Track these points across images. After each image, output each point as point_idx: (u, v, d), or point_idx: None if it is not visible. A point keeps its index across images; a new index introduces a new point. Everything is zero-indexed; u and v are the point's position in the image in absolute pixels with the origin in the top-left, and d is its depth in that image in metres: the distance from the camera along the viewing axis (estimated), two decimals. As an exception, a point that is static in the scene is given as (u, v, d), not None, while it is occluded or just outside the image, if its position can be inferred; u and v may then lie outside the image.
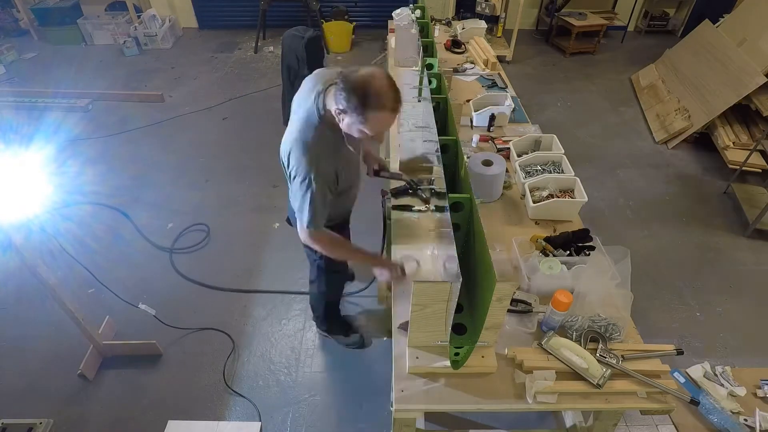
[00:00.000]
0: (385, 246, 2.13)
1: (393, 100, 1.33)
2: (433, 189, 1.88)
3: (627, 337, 1.45)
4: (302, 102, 1.54)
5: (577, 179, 1.94)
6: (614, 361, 1.35)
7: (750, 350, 2.48)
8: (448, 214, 1.40)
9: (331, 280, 2.12)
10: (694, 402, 1.38)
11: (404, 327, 1.41)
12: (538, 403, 1.29)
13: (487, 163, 1.96)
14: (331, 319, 2.41)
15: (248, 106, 4.53)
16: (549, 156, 2.10)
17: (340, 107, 1.35)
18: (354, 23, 5.65)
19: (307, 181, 1.46)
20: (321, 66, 3.94)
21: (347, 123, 1.39)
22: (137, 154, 3.88)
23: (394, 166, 2.08)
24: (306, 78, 1.62)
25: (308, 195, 1.47)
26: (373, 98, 1.30)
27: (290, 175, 1.54)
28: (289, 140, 1.52)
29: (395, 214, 1.85)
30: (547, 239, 1.72)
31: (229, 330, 2.52)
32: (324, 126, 1.47)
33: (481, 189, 1.95)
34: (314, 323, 2.51)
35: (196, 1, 6.02)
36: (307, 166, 1.45)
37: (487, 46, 3.36)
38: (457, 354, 1.31)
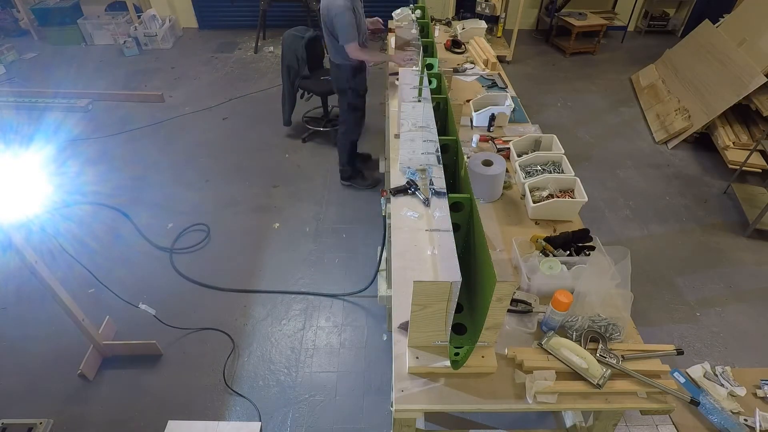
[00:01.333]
0: (385, 245, 2.13)
1: None
2: (433, 189, 1.87)
3: (627, 337, 1.45)
4: None
5: (577, 179, 1.94)
6: (614, 361, 1.34)
7: (750, 350, 2.48)
8: (448, 213, 1.40)
9: (354, 117, 3.21)
10: (694, 402, 1.38)
11: (404, 327, 1.41)
12: (538, 403, 1.29)
13: (487, 163, 1.96)
14: (352, 163, 3.44)
15: (248, 106, 4.53)
16: (549, 156, 2.10)
17: None
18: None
19: (341, 12, 2.65)
20: (321, 66, 3.95)
21: None
22: (137, 154, 3.88)
23: (395, 171, 2.08)
24: None
25: (344, 20, 2.66)
26: None
27: (332, 24, 2.74)
28: (324, 7, 2.74)
29: (395, 215, 1.84)
30: (547, 239, 1.72)
31: (229, 330, 2.52)
32: None
33: (481, 189, 1.95)
34: (340, 177, 3.53)
35: (196, 1, 6.02)
36: (340, 4, 2.64)
37: (487, 46, 3.36)
38: (457, 354, 1.31)
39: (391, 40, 3.29)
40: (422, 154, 2.04)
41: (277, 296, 2.72)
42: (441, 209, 1.80)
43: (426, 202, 1.86)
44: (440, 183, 1.71)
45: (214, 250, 3.02)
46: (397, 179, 2.04)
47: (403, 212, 1.86)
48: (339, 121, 3.32)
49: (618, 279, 1.49)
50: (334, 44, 2.85)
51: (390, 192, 1.92)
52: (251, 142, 4.03)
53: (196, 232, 3.14)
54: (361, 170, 3.56)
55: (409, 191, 1.89)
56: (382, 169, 3.56)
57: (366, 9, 2.94)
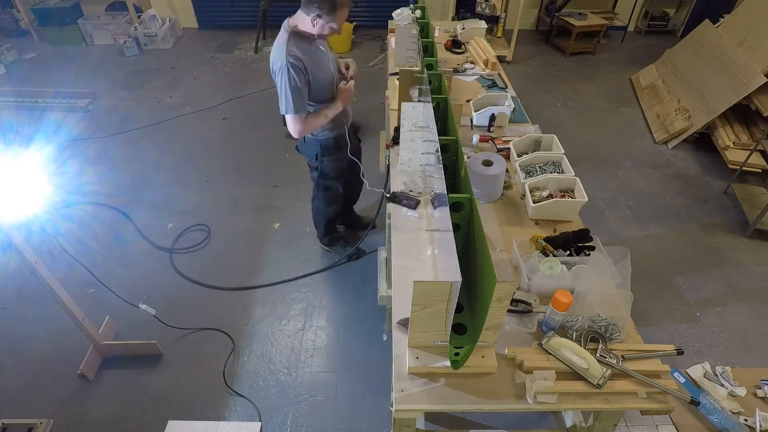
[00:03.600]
0: (387, 244, 2.13)
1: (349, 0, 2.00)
2: (420, 194, 1.89)
3: (627, 337, 1.45)
4: (276, 42, 2.07)
5: (577, 179, 1.94)
6: (614, 361, 1.34)
7: (750, 350, 2.48)
8: (448, 214, 1.40)
9: (325, 195, 2.61)
10: (695, 402, 1.38)
11: (404, 323, 1.41)
12: (538, 403, 1.29)
13: (487, 163, 1.96)
14: (330, 234, 2.91)
15: (248, 106, 4.53)
16: (549, 156, 2.10)
17: (315, 14, 1.93)
18: (354, 23, 5.65)
19: (281, 71, 2.00)
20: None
21: (321, 24, 1.97)
22: (137, 154, 3.88)
23: (395, 171, 2.08)
24: None
25: (284, 83, 2.02)
26: (338, 1, 1.93)
27: (275, 80, 2.07)
28: (272, 58, 2.06)
29: (395, 215, 1.85)
30: (547, 239, 1.72)
31: (229, 330, 2.52)
32: (291, 36, 2.01)
33: (482, 189, 1.95)
34: (319, 244, 2.99)
35: (196, 1, 6.02)
36: (280, 61, 1.98)
37: (487, 46, 3.36)
38: (457, 354, 1.31)
39: (392, 40, 3.29)
40: (422, 154, 2.04)
41: (277, 296, 2.72)
42: (440, 211, 1.80)
43: (413, 208, 1.85)
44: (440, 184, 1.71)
45: (214, 250, 3.02)
46: (397, 179, 2.05)
47: (403, 212, 1.87)
48: (312, 195, 2.72)
49: (618, 279, 1.49)
50: None
51: (387, 195, 1.92)
52: (251, 142, 4.03)
53: (196, 232, 3.14)
54: (343, 236, 3.02)
55: (395, 201, 1.88)
56: (382, 169, 3.56)
57: (366, 9, 2.84)
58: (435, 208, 1.82)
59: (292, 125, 2.13)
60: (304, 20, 1.99)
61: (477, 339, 1.26)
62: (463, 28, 3.56)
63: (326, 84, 2.17)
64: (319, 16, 1.94)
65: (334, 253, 2.95)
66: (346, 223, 3.12)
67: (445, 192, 1.39)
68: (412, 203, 1.87)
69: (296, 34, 2.02)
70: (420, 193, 1.95)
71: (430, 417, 2.14)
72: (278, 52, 2.01)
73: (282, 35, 2.04)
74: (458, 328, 1.36)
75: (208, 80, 5.03)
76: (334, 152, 2.38)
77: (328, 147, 2.34)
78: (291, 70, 1.97)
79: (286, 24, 2.07)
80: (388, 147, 2.32)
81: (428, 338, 1.34)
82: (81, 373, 2.26)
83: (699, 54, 4.30)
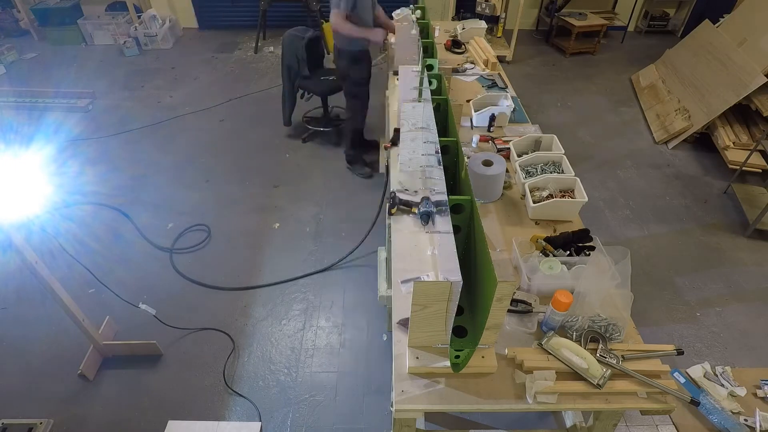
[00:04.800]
0: (387, 244, 2.13)
1: None
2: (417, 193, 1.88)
3: (627, 337, 1.45)
4: None
5: (578, 179, 1.94)
6: (614, 361, 1.35)
7: (750, 350, 2.48)
8: (449, 215, 1.40)
9: (355, 104, 3.32)
10: (695, 402, 1.38)
11: (404, 323, 1.41)
12: (538, 404, 1.29)
13: (487, 163, 1.96)
14: (356, 148, 3.57)
15: (248, 107, 4.53)
16: (549, 156, 2.10)
17: None
18: (354, 23, 5.64)
19: None
20: (321, 66, 3.95)
21: None
22: (137, 154, 3.88)
23: (395, 171, 2.08)
24: None
25: None
26: None
27: None
28: None
29: (395, 216, 1.84)
30: (547, 239, 1.72)
31: (229, 330, 2.52)
32: None
33: (482, 189, 1.95)
34: (347, 165, 3.66)
35: (197, 1, 6.02)
36: None
37: (487, 47, 3.36)
38: (457, 357, 1.31)
39: (392, 39, 3.29)
40: (422, 155, 2.04)
41: (277, 296, 2.72)
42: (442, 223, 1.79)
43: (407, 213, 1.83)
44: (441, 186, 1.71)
45: (214, 250, 3.02)
46: (397, 180, 2.04)
47: (403, 214, 1.86)
48: (345, 107, 3.46)
49: (618, 279, 1.49)
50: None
51: (388, 201, 1.91)
52: (251, 142, 4.03)
53: (196, 232, 3.14)
54: (363, 157, 3.65)
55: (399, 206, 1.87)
56: (381, 169, 3.56)
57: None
58: (423, 222, 1.79)
59: (334, 18, 2.79)
60: None
61: (478, 342, 1.26)
62: (463, 28, 3.56)
63: (367, 8, 2.90)
64: None
65: (353, 171, 3.62)
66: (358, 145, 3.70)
67: (446, 194, 1.39)
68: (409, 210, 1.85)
69: None
70: (416, 192, 1.94)
71: (430, 417, 2.14)
72: None
73: None
74: (459, 331, 1.36)
75: (208, 80, 5.03)
76: (360, 62, 3.08)
77: (354, 58, 3.05)
78: None
79: None
80: (386, 148, 2.32)
81: (428, 338, 1.34)
82: (81, 373, 2.26)
83: (699, 54, 4.30)
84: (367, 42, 2.97)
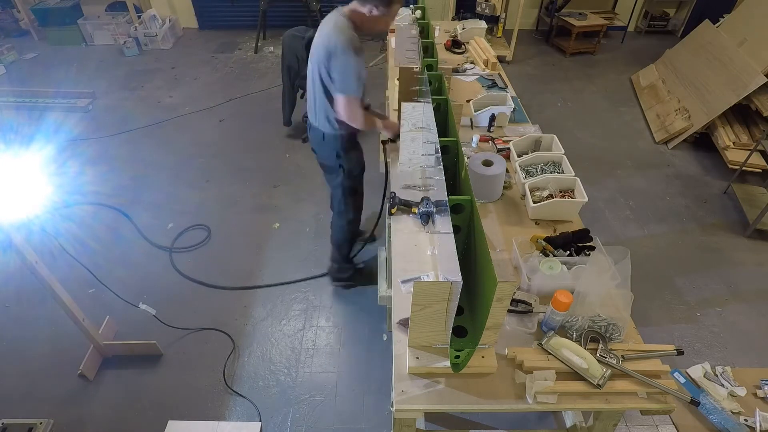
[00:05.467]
0: (387, 244, 2.13)
1: None
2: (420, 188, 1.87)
3: (627, 337, 1.45)
4: (323, 28, 2.00)
5: (578, 179, 1.94)
6: (614, 362, 1.35)
7: (750, 350, 2.48)
8: (449, 215, 1.40)
9: (353, 202, 2.44)
10: (695, 402, 1.38)
11: (403, 323, 1.41)
12: (538, 404, 1.29)
13: (487, 163, 1.96)
14: (345, 257, 2.66)
15: (248, 107, 4.53)
16: (549, 156, 2.10)
17: (370, 6, 1.90)
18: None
19: (348, 53, 1.89)
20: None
21: (376, 17, 1.93)
22: (137, 154, 3.88)
23: (395, 171, 2.08)
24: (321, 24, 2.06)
25: (350, 65, 1.91)
26: None
27: (329, 65, 1.94)
28: (321, 44, 1.96)
29: (395, 216, 1.85)
30: (547, 239, 1.72)
31: (229, 330, 2.52)
32: (351, 25, 1.94)
33: (482, 189, 1.95)
34: (330, 279, 2.78)
35: (197, 1, 6.02)
36: (346, 44, 1.88)
37: (487, 47, 3.36)
38: (457, 357, 1.31)
39: (392, 40, 3.29)
40: (422, 155, 2.04)
41: (277, 296, 2.72)
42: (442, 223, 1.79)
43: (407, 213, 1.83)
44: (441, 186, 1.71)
45: (214, 250, 3.02)
46: (396, 180, 2.05)
47: (403, 215, 1.86)
48: (332, 207, 2.56)
49: (618, 279, 1.49)
50: (322, 100, 2.05)
51: (388, 202, 1.92)
52: (251, 142, 4.03)
53: (196, 232, 3.14)
54: (354, 265, 2.76)
55: (399, 206, 1.87)
56: (381, 169, 3.56)
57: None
58: (422, 222, 1.80)
59: (349, 107, 1.98)
60: (359, 12, 1.95)
61: (478, 342, 1.26)
62: (463, 28, 3.56)
63: (365, 82, 2.07)
64: (375, 7, 1.90)
65: (344, 284, 2.76)
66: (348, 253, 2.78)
67: (446, 195, 1.39)
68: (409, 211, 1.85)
69: (354, 23, 1.96)
70: (418, 186, 1.94)
71: (430, 417, 2.14)
72: (340, 33, 1.90)
73: (339, 19, 1.95)
74: (459, 331, 1.36)
75: (208, 80, 5.03)
76: (355, 146, 2.29)
77: (349, 141, 2.21)
78: (357, 54, 1.91)
79: (341, 11, 1.99)
80: (383, 144, 2.29)
81: (428, 338, 1.34)
82: (81, 373, 2.26)
83: (699, 54, 4.30)
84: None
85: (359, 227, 2.64)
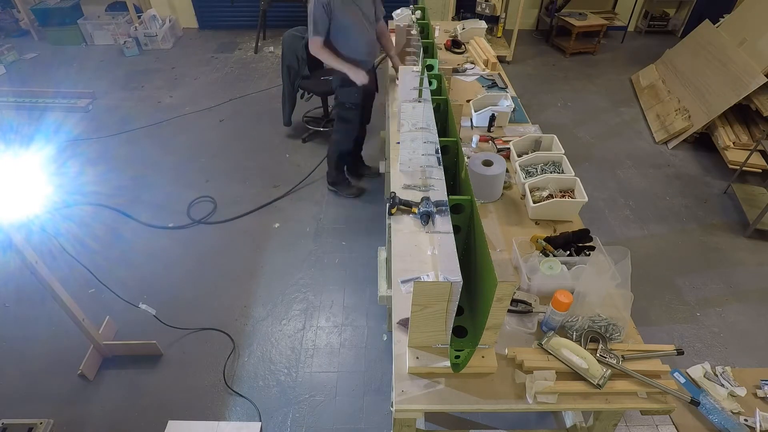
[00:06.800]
0: (387, 244, 2.13)
1: None
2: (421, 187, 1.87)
3: (627, 338, 1.45)
4: None
5: (578, 179, 1.94)
6: (614, 362, 1.35)
7: (750, 350, 2.48)
8: (449, 215, 1.40)
9: (342, 128, 3.05)
10: (695, 402, 1.38)
11: (404, 323, 1.41)
12: (538, 404, 1.29)
13: (487, 163, 1.96)
14: (339, 171, 3.32)
15: (248, 107, 4.53)
16: (549, 156, 2.10)
17: None
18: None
19: (310, 4, 2.48)
20: (321, 66, 3.94)
21: None
22: (137, 154, 3.88)
23: (395, 171, 2.08)
24: None
25: (310, 13, 2.51)
26: None
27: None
28: None
29: (395, 216, 1.85)
30: (547, 239, 1.72)
31: (229, 330, 2.52)
32: None
33: (482, 189, 1.95)
34: (326, 184, 3.45)
35: (197, 1, 6.02)
36: None
37: (487, 47, 3.36)
38: (457, 357, 1.31)
39: (392, 39, 3.29)
40: (422, 155, 2.04)
41: (277, 296, 2.72)
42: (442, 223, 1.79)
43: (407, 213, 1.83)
44: (441, 185, 1.71)
45: (214, 250, 3.02)
46: (396, 180, 2.05)
47: (403, 215, 1.86)
48: (333, 129, 3.19)
49: (618, 279, 1.49)
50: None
51: (388, 201, 1.92)
52: (251, 142, 4.03)
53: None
54: (348, 178, 3.43)
55: (399, 206, 1.87)
56: (381, 169, 3.56)
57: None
58: (422, 222, 1.80)
59: (313, 45, 2.63)
60: None
61: (478, 342, 1.26)
62: (463, 28, 3.56)
63: (356, 29, 2.62)
64: None
65: (339, 192, 3.39)
66: (353, 173, 3.55)
67: (446, 195, 1.39)
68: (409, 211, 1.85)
69: None
70: (418, 186, 1.94)
71: (430, 417, 2.14)
72: None
73: None
74: (459, 331, 1.36)
75: (208, 80, 5.03)
76: (349, 85, 2.76)
77: (343, 79, 2.76)
78: (319, 4, 2.45)
79: None
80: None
81: (428, 339, 1.35)
82: (81, 373, 2.26)
83: (699, 54, 4.30)
84: (355, 62, 2.73)
85: (346, 152, 3.24)
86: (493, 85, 2.93)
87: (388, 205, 1.85)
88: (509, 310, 1.50)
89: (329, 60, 2.66)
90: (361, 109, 2.98)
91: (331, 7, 2.48)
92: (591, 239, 1.71)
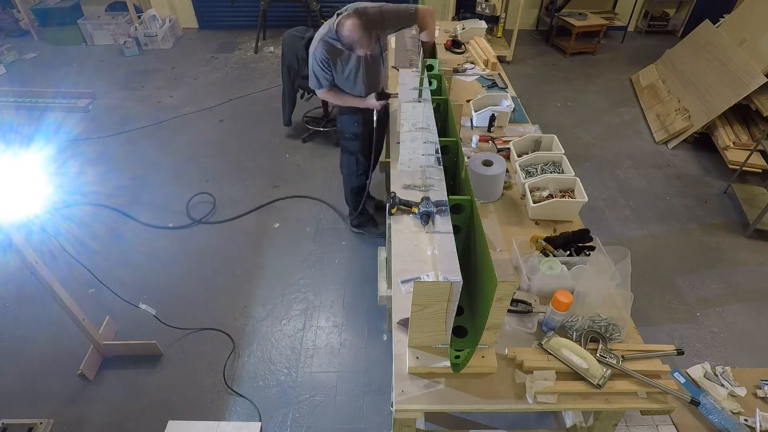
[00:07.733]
0: (387, 244, 2.13)
1: None
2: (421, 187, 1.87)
3: (627, 337, 1.45)
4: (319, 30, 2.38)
5: (578, 179, 1.94)
6: (614, 362, 1.35)
7: (750, 350, 2.48)
8: (449, 215, 1.40)
9: (347, 160, 2.81)
10: (695, 402, 1.38)
11: (404, 323, 1.41)
12: (538, 404, 1.29)
13: (488, 163, 1.96)
14: (361, 211, 3.02)
15: (248, 107, 4.53)
16: (549, 156, 2.10)
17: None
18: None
19: (312, 55, 2.32)
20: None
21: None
22: (137, 154, 3.88)
23: (395, 171, 2.08)
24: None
25: (311, 68, 2.37)
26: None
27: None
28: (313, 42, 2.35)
29: (395, 216, 1.85)
30: (547, 239, 1.72)
31: (229, 330, 2.52)
32: (328, 38, 2.29)
33: (482, 189, 1.95)
34: (348, 225, 3.19)
35: (197, 1, 6.02)
36: (316, 47, 2.30)
37: (487, 47, 3.36)
38: (457, 357, 1.31)
39: (392, 40, 3.29)
40: (422, 155, 2.04)
41: (277, 296, 2.72)
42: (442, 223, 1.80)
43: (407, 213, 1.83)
44: (441, 186, 1.71)
45: (214, 250, 3.02)
46: (397, 180, 2.05)
47: (403, 215, 1.86)
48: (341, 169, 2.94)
49: (618, 279, 1.49)
50: None
51: (388, 201, 1.92)
52: (251, 142, 4.03)
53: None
54: (374, 217, 3.15)
55: (399, 207, 1.86)
56: (382, 169, 3.56)
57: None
58: (422, 222, 1.80)
59: (321, 95, 2.51)
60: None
61: (478, 342, 1.26)
62: (463, 28, 3.56)
63: (361, 72, 2.42)
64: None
65: (366, 234, 3.12)
66: (380, 207, 3.30)
67: (446, 195, 1.39)
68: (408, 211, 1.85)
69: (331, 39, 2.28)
70: (418, 186, 1.94)
71: (430, 417, 2.14)
72: (316, 39, 2.33)
73: (323, 29, 2.33)
74: (459, 331, 1.36)
75: (208, 80, 5.03)
76: (350, 114, 2.61)
77: (344, 108, 2.62)
78: (322, 61, 2.32)
79: (334, 20, 2.26)
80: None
81: (428, 339, 1.35)
82: (81, 373, 2.26)
83: (699, 54, 4.30)
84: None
85: (359, 188, 2.93)
86: (493, 85, 2.93)
87: (388, 205, 1.85)
88: (509, 310, 1.50)
89: (337, 101, 2.53)
90: (367, 140, 2.69)
91: (329, 64, 2.34)
92: (591, 239, 1.71)
